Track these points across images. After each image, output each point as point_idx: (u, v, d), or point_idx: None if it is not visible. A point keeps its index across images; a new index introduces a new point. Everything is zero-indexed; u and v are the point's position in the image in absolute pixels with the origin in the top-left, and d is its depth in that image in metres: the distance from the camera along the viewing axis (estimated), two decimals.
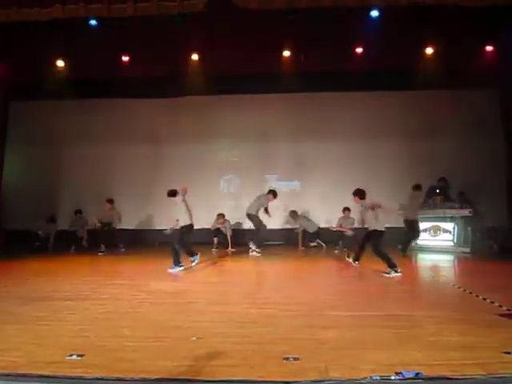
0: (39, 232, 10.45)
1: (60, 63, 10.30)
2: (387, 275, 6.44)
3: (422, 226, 10.29)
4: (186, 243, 7.58)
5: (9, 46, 9.29)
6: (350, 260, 7.47)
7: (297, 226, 10.88)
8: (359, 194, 7.07)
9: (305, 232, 10.83)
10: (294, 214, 10.94)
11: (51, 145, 12.03)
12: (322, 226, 11.21)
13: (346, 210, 10.14)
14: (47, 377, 2.74)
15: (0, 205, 11.00)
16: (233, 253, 10.08)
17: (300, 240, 10.73)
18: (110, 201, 10.41)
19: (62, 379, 2.71)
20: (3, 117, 10.95)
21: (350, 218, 10.12)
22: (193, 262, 7.60)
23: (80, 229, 11.27)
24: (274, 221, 10.78)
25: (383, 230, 6.73)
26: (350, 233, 10.02)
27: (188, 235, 7.65)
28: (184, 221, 7.54)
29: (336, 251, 9.85)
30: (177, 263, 7.31)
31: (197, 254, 7.67)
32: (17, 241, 10.49)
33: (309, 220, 11.07)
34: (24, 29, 8.04)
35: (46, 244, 10.43)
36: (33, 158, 11.95)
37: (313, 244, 10.93)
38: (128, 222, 11.95)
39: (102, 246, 9.98)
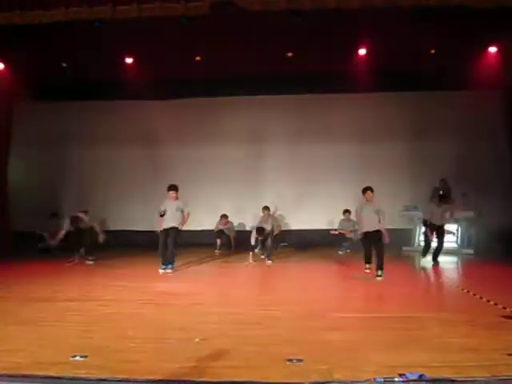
0: (44, 234, 10.48)
1: (64, 65, 10.33)
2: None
3: None
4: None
5: (12, 47, 9.32)
6: None
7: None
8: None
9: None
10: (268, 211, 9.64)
11: (55, 146, 12.04)
12: (324, 228, 11.24)
13: (347, 212, 10.12)
14: (51, 378, 2.75)
15: (7, 206, 11.02)
16: (235, 254, 10.08)
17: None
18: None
19: (66, 380, 2.72)
20: (7, 118, 10.98)
21: (350, 220, 10.08)
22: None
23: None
24: None
25: None
26: (351, 235, 10.00)
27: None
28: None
29: (340, 252, 9.83)
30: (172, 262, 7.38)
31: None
32: (21, 242, 10.52)
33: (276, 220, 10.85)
34: (28, 31, 8.04)
35: (49, 245, 10.44)
36: (36, 160, 11.97)
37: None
38: (131, 223, 11.98)
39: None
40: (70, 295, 5.50)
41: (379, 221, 7.01)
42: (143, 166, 12.17)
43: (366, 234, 7.14)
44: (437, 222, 8.30)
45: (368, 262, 7.28)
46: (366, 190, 7.26)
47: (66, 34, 8.45)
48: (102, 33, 8.43)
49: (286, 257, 9.51)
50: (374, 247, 7.02)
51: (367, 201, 7.23)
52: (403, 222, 10.71)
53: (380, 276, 6.68)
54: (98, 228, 8.81)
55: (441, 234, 8.38)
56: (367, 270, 7.22)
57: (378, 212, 7.08)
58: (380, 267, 6.72)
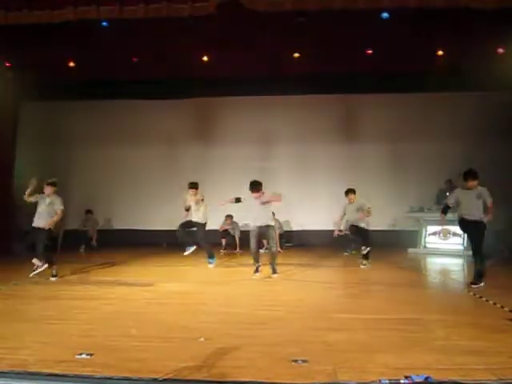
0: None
1: (71, 64, 10.36)
2: None
3: (432, 229, 10.24)
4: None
5: (20, 46, 9.37)
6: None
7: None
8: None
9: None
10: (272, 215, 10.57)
11: (62, 145, 12.10)
12: (329, 228, 11.21)
13: None
14: (57, 375, 2.76)
15: (11, 205, 11.06)
16: (241, 254, 10.08)
17: (278, 242, 10.63)
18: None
19: (72, 378, 2.73)
20: (14, 117, 11.04)
21: None
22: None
23: (90, 228, 11.35)
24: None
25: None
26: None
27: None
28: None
29: (346, 254, 9.79)
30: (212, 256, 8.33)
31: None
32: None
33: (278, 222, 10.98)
34: (36, 30, 8.08)
35: (54, 243, 10.46)
36: (43, 158, 12.03)
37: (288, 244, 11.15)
38: (137, 222, 12.01)
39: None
40: (75, 293, 5.53)
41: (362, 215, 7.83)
42: (152, 166, 12.21)
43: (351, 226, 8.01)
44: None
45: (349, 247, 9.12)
46: (348, 192, 7.93)
47: (75, 33, 8.48)
48: (110, 32, 8.47)
49: (291, 257, 9.49)
50: (358, 234, 7.95)
51: (350, 202, 7.91)
52: (409, 224, 10.67)
53: (363, 250, 7.87)
54: None
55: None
56: (346, 253, 9.40)
57: (359, 209, 7.81)
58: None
